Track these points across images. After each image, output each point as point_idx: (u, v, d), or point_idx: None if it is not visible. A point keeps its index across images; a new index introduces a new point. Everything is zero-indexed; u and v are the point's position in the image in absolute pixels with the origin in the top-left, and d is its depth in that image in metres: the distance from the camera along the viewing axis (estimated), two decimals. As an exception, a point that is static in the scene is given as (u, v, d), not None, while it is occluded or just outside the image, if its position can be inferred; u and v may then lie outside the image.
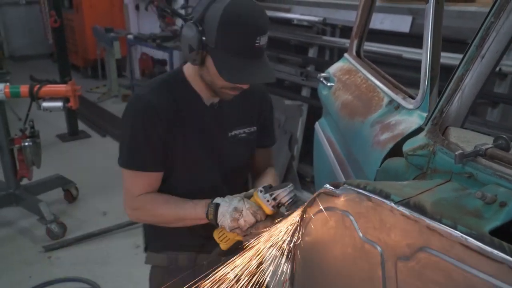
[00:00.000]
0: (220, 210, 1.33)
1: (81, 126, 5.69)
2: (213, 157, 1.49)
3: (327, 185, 1.13)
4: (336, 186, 1.10)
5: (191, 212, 1.39)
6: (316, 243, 1.18)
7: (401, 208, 0.93)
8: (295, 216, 1.20)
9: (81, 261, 3.24)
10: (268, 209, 1.32)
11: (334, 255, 1.13)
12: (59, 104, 3.31)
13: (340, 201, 1.08)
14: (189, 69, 1.44)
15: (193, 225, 1.44)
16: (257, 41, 1.26)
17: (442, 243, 0.85)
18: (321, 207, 1.12)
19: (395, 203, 0.94)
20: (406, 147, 1.20)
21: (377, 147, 1.47)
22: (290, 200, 1.31)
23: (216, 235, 1.39)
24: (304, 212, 1.22)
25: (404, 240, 0.93)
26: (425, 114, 1.40)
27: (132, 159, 1.41)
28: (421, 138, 1.19)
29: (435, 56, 1.39)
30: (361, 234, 1.04)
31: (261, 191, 1.33)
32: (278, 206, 1.34)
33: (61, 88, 3.32)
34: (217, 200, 1.36)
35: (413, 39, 3.18)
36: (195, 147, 1.45)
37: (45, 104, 3.30)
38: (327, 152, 2.11)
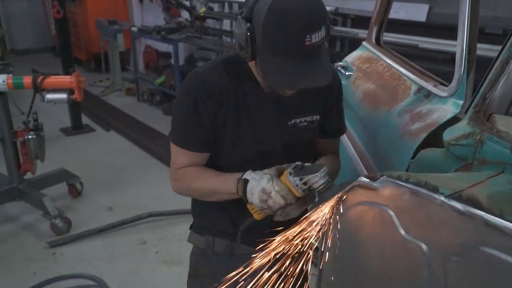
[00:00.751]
0: (249, 187, 1.25)
1: (85, 120, 5.59)
2: (266, 145, 1.38)
3: (362, 178, 1.03)
4: (373, 178, 1.01)
5: (222, 185, 1.33)
6: (349, 241, 1.09)
7: (453, 203, 0.83)
8: (327, 209, 1.10)
9: (86, 257, 3.15)
10: (298, 193, 1.21)
11: (370, 254, 1.04)
12: (63, 96, 3.21)
13: (379, 195, 0.98)
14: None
15: (232, 212, 1.44)
16: (307, 39, 1.11)
17: (503, 241, 0.75)
18: (357, 201, 1.03)
19: (445, 196, 0.84)
20: (447, 136, 1.10)
21: (408, 137, 1.37)
22: (322, 186, 1.18)
23: (249, 206, 1.30)
24: (336, 206, 1.13)
25: (456, 238, 0.84)
26: (461, 102, 1.31)
27: (179, 136, 1.39)
28: (463, 127, 1.09)
29: (472, 40, 1.29)
30: (403, 232, 0.94)
31: (290, 173, 1.22)
32: (309, 189, 1.21)
33: (65, 79, 3.23)
34: (247, 175, 1.27)
35: (430, 29, 3.07)
36: (247, 132, 1.36)
37: (49, 96, 3.20)
38: (345, 144, 2.01)
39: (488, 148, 0.99)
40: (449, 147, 1.08)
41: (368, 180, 1.01)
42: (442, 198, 0.85)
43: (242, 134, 1.35)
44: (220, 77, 1.31)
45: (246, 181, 1.26)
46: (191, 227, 1.65)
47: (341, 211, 1.10)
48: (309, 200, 1.23)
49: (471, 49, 1.29)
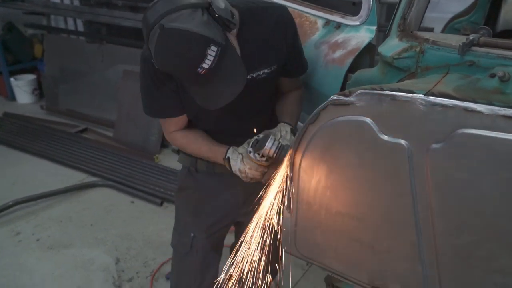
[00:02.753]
0: (232, 167, 1.49)
1: None
2: (231, 103, 1.36)
3: (335, 96, 1.13)
4: (346, 94, 1.11)
5: (213, 157, 1.56)
6: (324, 157, 1.19)
7: (432, 99, 0.98)
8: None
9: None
10: (264, 163, 1.43)
11: (350, 164, 1.16)
12: None
13: (355, 108, 1.09)
14: None
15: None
16: (200, 70, 1.22)
17: (482, 121, 0.93)
18: (331, 118, 1.12)
19: (424, 95, 0.99)
20: (388, 52, 1.25)
21: (333, 65, 1.50)
22: (277, 151, 1.37)
23: None
24: (305, 129, 1.21)
25: (436, 128, 0.99)
26: (374, 27, 1.48)
27: (151, 109, 1.54)
28: (398, 43, 1.26)
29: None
30: (382, 136, 1.07)
31: (250, 152, 1.43)
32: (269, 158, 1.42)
33: None
34: (229, 154, 1.50)
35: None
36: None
37: None
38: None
39: (430, 56, 1.17)
40: (393, 62, 1.23)
41: (342, 97, 1.11)
42: (422, 97, 0.99)
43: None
44: None
45: (229, 160, 1.48)
46: (178, 152, 1.83)
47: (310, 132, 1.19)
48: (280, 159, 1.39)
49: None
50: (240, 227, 1.90)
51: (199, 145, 1.58)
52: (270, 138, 1.38)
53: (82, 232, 3.09)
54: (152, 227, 3.16)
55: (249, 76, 1.42)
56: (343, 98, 1.11)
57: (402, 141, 1.05)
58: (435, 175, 1.03)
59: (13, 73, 5.43)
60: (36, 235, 3.03)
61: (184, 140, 1.61)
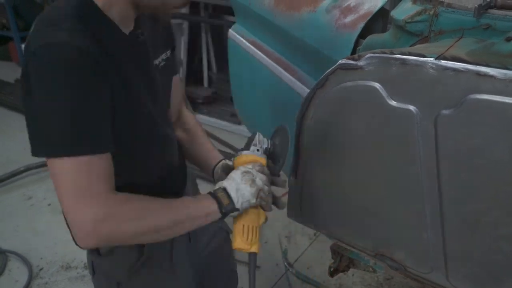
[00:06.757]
0: (231, 191, 1.06)
1: None
2: (154, 93, 1.11)
3: (344, 60, 1.10)
4: (355, 59, 1.08)
5: (194, 208, 1.03)
6: (331, 120, 1.17)
7: (443, 63, 0.95)
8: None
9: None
10: (264, 159, 1.16)
11: (356, 129, 1.14)
12: None
13: (364, 72, 1.07)
14: None
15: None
16: None
17: (495, 85, 0.90)
18: (339, 82, 1.10)
19: (435, 59, 0.96)
20: (400, 16, 1.21)
21: (344, 30, 1.46)
22: (269, 141, 1.19)
23: (238, 228, 1.11)
24: (312, 94, 1.19)
25: (447, 93, 0.96)
26: (387, -9, 1.43)
27: (79, 139, 0.89)
28: (412, 7, 1.21)
29: None
30: (390, 101, 1.05)
31: (240, 153, 1.17)
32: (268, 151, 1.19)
33: None
34: (220, 184, 1.09)
35: None
36: (140, 92, 1.05)
37: None
38: (257, 56, 2.05)
39: (444, 19, 1.13)
40: (406, 26, 1.19)
41: (350, 61, 1.08)
42: (433, 60, 0.96)
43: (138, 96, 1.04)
44: (88, 39, 0.90)
45: (226, 191, 1.06)
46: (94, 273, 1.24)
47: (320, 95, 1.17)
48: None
49: None
50: None
51: (163, 202, 1.00)
52: (257, 135, 1.18)
53: (92, 198, 3.13)
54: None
55: (155, 62, 1.14)
56: (352, 62, 1.08)
57: (411, 107, 1.03)
58: (444, 142, 1.01)
59: (24, 39, 5.40)
60: (48, 200, 3.07)
61: (136, 202, 0.97)
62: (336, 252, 1.59)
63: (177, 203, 1.02)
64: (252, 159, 1.14)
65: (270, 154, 1.19)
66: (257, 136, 1.18)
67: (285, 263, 2.54)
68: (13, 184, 3.22)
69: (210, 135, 3.84)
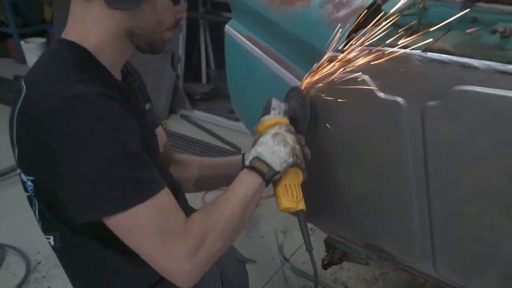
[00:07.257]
0: (267, 155, 1.05)
1: None
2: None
3: (332, 53, 1.12)
4: (343, 51, 1.10)
5: (244, 187, 1.01)
6: (320, 113, 1.19)
7: (429, 55, 0.97)
8: None
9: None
10: (287, 120, 1.15)
11: (345, 121, 1.15)
12: None
13: (351, 64, 1.09)
14: (89, 37, 0.96)
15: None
16: None
17: (479, 77, 0.92)
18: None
19: (422, 51, 0.98)
20: (389, 9, 1.23)
21: (336, 24, 1.48)
22: (286, 105, 1.17)
23: (281, 189, 1.11)
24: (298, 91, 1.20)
25: (433, 85, 0.98)
26: (379, -14, 1.45)
27: (145, 181, 0.88)
28: (401, 1, 1.23)
29: None
30: (378, 93, 1.07)
31: (263, 118, 1.14)
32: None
33: None
34: (253, 153, 1.07)
35: None
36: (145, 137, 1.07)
37: None
38: (253, 52, 2.06)
39: (433, 12, 1.15)
40: (395, 19, 1.21)
41: (339, 53, 1.10)
42: (420, 53, 0.98)
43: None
44: (104, 87, 0.91)
45: (259, 159, 1.04)
46: None
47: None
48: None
49: None
50: None
51: (224, 196, 1.01)
52: (270, 100, 1.17)
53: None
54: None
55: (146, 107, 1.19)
56: (340, 54, 1.10)
57: (399, 99, 1.04)
58: (431, 133, 1.02)
59: (23, 36, 5.43)
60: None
61: (208, 215, 0.96)
62: (329, 245, 1.61)
63: (228, 196, 1.01)
64: (275, 121, 1.13)
65: (290, 116, 1.18)
66: (273, 101, 1.17)
67: (281, 258, 2.56)
68: (11, 179, 3.23)
69: (208, 132, 3.87)
